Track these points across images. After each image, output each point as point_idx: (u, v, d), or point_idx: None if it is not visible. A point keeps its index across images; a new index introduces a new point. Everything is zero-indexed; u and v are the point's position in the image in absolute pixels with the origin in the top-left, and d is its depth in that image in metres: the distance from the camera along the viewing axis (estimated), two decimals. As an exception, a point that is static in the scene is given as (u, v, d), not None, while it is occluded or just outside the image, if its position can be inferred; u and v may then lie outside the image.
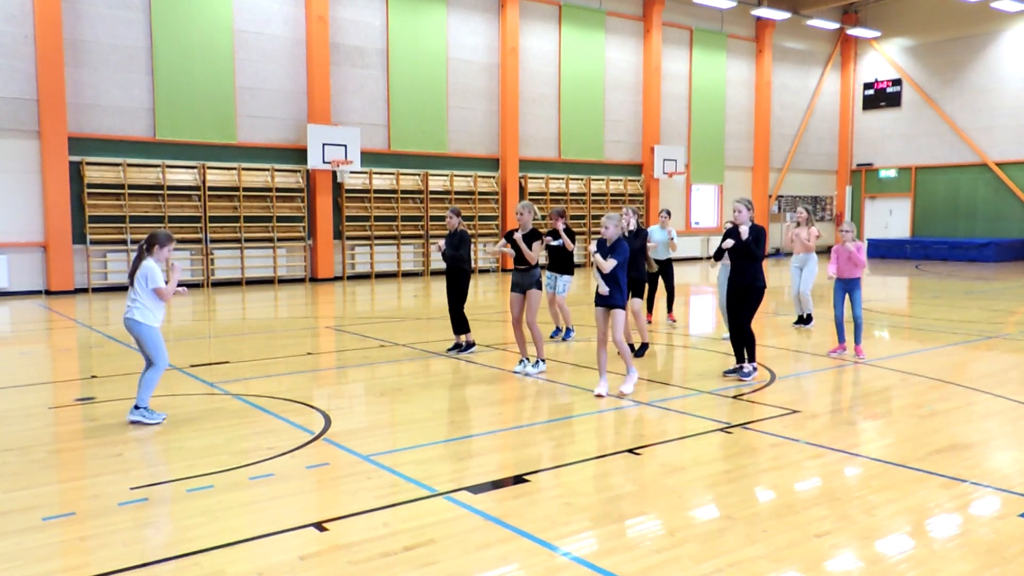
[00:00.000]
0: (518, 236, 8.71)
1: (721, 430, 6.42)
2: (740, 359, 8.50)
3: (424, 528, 4.42)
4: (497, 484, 5.15)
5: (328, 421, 6.68)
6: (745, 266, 8.26)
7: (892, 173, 31.37)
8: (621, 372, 8.02)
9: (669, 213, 12.15)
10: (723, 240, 8.32)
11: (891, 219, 31.44)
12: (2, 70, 16.24)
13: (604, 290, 7.51)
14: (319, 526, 4.46)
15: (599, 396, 7.55)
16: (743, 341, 8.42)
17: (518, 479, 5.23)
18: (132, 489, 5.07)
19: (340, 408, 7.27)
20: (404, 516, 4.61)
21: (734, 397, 7.59)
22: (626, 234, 9.54)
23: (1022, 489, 5.09)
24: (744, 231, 8.15)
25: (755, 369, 8.39)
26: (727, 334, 10.67)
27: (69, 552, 4.19)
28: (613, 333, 7.62)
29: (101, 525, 4.50)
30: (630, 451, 5.89)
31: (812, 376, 8.74)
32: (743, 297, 8.34)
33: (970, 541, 4.30)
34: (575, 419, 6.93)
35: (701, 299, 16.74)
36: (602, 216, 8.50)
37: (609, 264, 7.46)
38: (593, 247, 7.66)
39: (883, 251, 28.94)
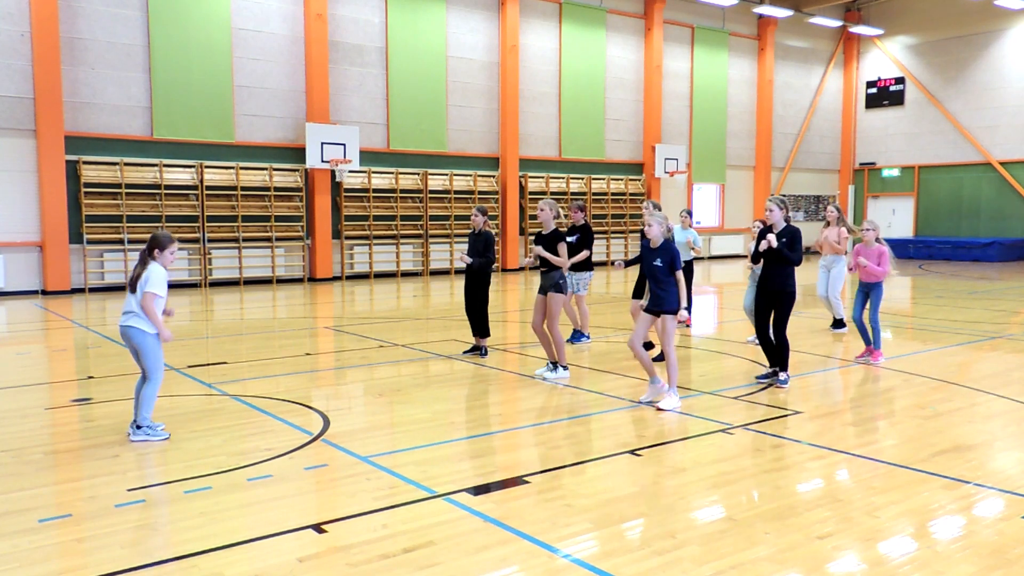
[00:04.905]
0: (539, 249, 8.47)
1: (723, 431, 6.38)
2: (773, 363, 8.08)
3: (423, 530, 4.39)
4: (497, 485, 5.12)
5: (327, 422, 6.64)
6: (775, 269, 7.87)
7: (895, 172, 31.31)
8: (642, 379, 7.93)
9: (690, 213, 11.24)
10: (757, 242, 7.98)
11: (894, 218, 31.36)
12: None
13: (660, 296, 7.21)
14: (318, 528, 4.43)
15: (651, 405, 7.25)
16: (775, 348, 8.00)
17: (518, 480, 5.20)
18: (129, 491, 5.04)
19: (339, 409, 7.23)
20: (403, 518, 4.58)
21: (735, 398, 7.55)
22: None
23: (1026, 490, 5.05)
24: (772, 239, 7.73)
25: (788, 378, 7.99)
26: (751, 336, 10.63)
27: (66, 554, 4.16)
28: (663, 340, 7.32)
29: (98, 527, 4.47)
30: (631, 452, 5.85)
31: (814, 377, 8.70)
32: (772, 302, 7.93)
33: (973, 543, 4.26)
34: (575, 420, 6.88)
35: (702, 299, 16.70)
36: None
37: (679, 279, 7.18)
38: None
39: (885, 250, 28.86)
